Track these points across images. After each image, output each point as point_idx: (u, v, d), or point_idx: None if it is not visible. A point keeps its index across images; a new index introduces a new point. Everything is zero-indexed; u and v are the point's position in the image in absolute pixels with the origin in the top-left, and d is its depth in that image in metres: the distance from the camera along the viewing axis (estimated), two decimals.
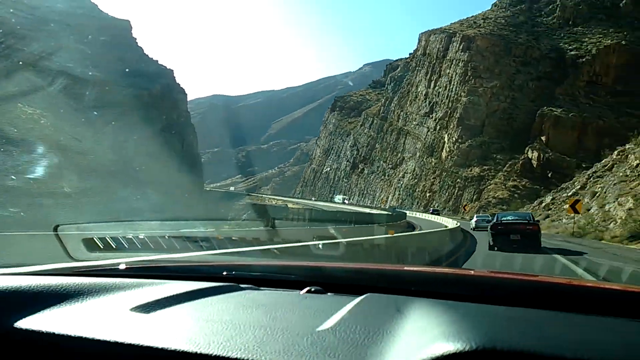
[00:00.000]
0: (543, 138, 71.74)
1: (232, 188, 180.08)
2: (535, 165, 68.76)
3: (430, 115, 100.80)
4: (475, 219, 42.21)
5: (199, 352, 1.12)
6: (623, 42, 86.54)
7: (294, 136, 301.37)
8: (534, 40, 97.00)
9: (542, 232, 19.70)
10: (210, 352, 1.11)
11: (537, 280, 1.87)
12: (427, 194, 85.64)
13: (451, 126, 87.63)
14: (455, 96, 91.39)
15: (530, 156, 70.47)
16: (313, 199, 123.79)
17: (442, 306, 1.42)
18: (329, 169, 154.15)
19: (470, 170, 76.09)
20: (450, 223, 32.51)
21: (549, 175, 66.75)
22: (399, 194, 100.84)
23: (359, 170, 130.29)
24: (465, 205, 58.33)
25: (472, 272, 2.15)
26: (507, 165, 72.61)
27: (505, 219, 18.92)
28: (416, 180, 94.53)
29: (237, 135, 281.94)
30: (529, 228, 18.11)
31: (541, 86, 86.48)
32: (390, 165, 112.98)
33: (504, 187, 68.08)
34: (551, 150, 69.13)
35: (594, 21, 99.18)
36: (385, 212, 54.53)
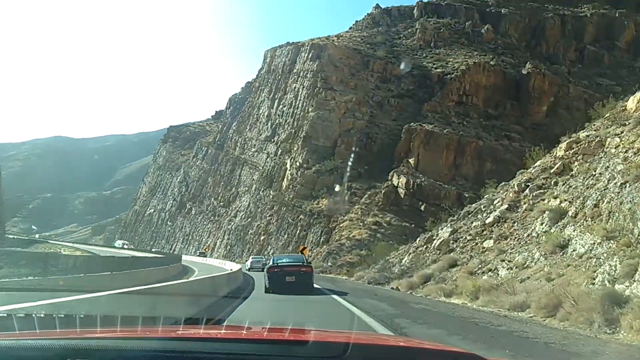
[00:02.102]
0: (412, 160, 53.49)
1: (37, 235, 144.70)
2: (402, 195, 49.77)
3: (272, 139, 79.97)
4: (250, 260, 44.95)
5: None
6: (492, 63, 73.80)
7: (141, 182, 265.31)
8: (393, 58, 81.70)
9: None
10: None
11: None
12: (262, 237, 63.16)
13: (295, 148, 67.05)
14: (302, 113, 71.56)
15: (395, 183, 51.52)
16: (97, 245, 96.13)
17: None
18: (152, 210, 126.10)
19: (318, 203, 55.30)
20: (234, 267, 30.80)
21: (421, 207, 47.98)
22: (229, 238, 77.28)
23: (186, 210, 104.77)
24: (303, 249, 37.41)
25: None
26: (366, 197, 53.03)
27: (281, 261, 20.22)
28: (249, 219, 71.90)
29: (77, 180, 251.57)
30: (303, 270, 19.41)
31: (404, 104, 69.89)
32: (221, 203, 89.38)
33: (361, 224, 47.85)
34: (423, 175, 50.79)
35: (456, 45, 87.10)
36: (158, 256, 49.20)
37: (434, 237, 25.50)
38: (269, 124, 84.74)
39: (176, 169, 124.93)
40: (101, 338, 2.07)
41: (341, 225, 49.14)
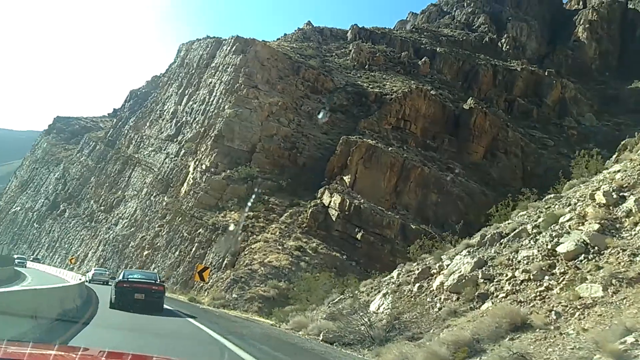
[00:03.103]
0: (347, 178, 43.64)
1: None
2: (334, 218, 39.55)
3: (175, 139, 67.35)
4: (92, 271, 42.91)
5: None
6: (432, 92, 67.08)
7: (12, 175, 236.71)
8: (326, 72, 72.95)
9: None
10: None
11: None
12: (145, 252, 50.01)
13: (203, 149, 55.11)
14: (216, 110, 60.01)
15: (326, 202, 41.28)
16: None
17: None
18: (19, 208, 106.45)
19: (224, 216, 43.62)
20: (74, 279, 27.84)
21: (357, 235, 38.00)
22: (104, 250, 62.76)
23: (59, 212, 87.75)
24: (204, 269, 26.24)
25: None
26: (287, 215, 42.27)
27: (131, 277, 19.12)
28: (133, 229, 58.30)
29: None
30: (155, 288, 18.45)
31: (337, 119, 60.68)
32: (102, 207, 74.36)
33: (280, 247, 36.88)
34: (361, 197, 41.01)
35: (392, 72, 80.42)
36: None
37: (434, 272, 15.33)
38: (174, 121, 72.10)
39: (56, 163, 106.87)
40: None
41: (253, 246, 37.85)
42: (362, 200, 39.76)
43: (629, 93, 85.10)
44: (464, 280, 13.32)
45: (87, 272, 43.59)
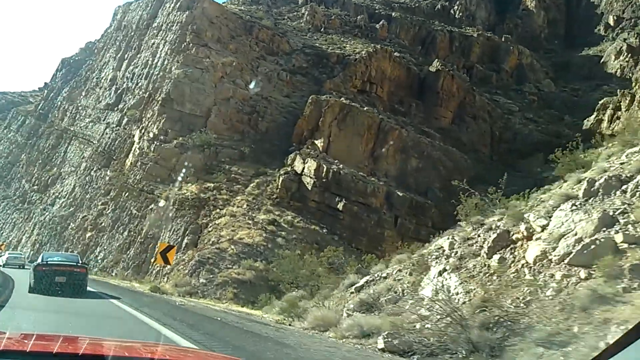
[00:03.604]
0: (319, 142, 38.68)
1: None
2: (310, 187, 34.61)
3: (116, 107, 60.21)
4: (6, 255, 40.95)
5: None
6: (396, 54, 62.64)
7: None
8: (281, 34, 67.15)
9: None
10: None
11: None
12: (88, 234, 43.66)
13: (149, 115, 48.69)
14: (161, 73, 53.35)
15: (299, 169, 36.21)
16: None
17: None
18: None
19: (180, 189, 37.86)
20: None
21: (339, 205, 33.32)
22: (39, 233, 55.56)
23: None
24: (168, 248, 21.08)
25: None
26: (253, 185, 37.03)
27: (51, 259, 18.40)
28: (72, 209, 51.45)
29: None
30: (77, 270, 17.82)
31: (298, 81, 55.46)
32: (35, 187, 66.45)
33: (250, 222, 31.73)
34: (339, 162, 36.21)
35: (348, 35, 75.48)
36: None
37: (519, 237, 10.86)
38: (113, 88, 64.69)
39: None
40: None
41: (217, 221, 32.50)
42: (340, 166, 34.98)
43: (580, 60, 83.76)
44: (593, 247, 8.78)
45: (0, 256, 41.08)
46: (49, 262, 17.88)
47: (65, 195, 55.97)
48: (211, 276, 25.46)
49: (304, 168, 35.95)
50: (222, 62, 51.45)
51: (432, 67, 62.36)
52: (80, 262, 19.56)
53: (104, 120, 60.67)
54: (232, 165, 40.04)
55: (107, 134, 55.46)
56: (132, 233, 37.90)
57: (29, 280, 17.81)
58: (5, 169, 79.80)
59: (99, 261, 39.49)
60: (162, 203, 35.28)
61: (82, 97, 72.44)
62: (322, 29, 76.52)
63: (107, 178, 47.59)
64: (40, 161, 70.07)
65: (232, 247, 28.19)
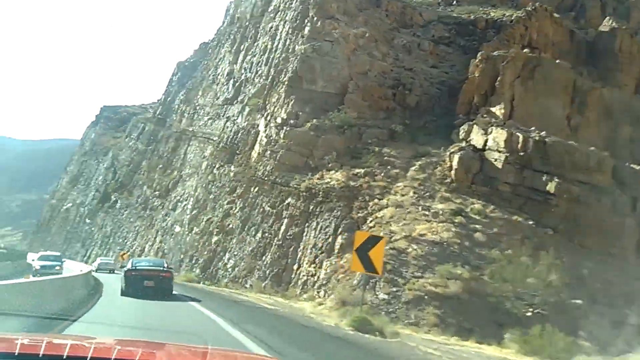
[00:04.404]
0: (498, 109, 29.28)
1: None
2: (501, 165, 25.32)
3: (235, 101, 54.76)
4: (98, 261, 46.12)
5: None
6: (556, 15, 51.12)
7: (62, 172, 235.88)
8: (412, 6, 58.34)
9: None
10: None
11: None
12: (214, 238, 37.49)
13: (274, 99, 42.01)
14: (284, 54, 46.68)
15: (477, 142, 27.08)
16: None
17: None
18: (70, 204, 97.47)
19: (321, 177, 30.28)
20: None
21: (547, 184, 23.75)
22: (162, 240, 51.08)
23: (110, 204, 77.43)
24: (368, 243, 13.27)
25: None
26: (416, 169, 28.52)
27: (140, 265, 19.61)
28: (195, 211, 46.06)
29: (15, 182, 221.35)
30: (163, 275, 18.91)
31: (443, 51, 46.41)
32: (156, 192, 62.93)
33: (427, 214, 23.15)
34: (535, 129, 26.58)
35: (486, 5, 64.89)
36: None
37: None
38: (231, 83, 59.55)
39: (104, 153, 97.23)
40: None
41: (379, 214, 24.35)
42: (542, 133, 25.38)
43: None
44: None
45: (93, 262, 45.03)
46: (137, 268, 18.89)
47: (187, 198, 51.06)
48: (394, 289, 17.25)
49: (486, 141, 26.82)
50: (353, 33, 43.71)
51: (604, 26, 50.02)
52: (165, 267, 20.16)
53: (223, 116, 55.42)
54: (382, 147, 31.84)
55: (227, 127, 49.82)
56: (266, 234, 30.87)
57: (120, 285, 18.73)
58: (128, 177, 78.14)
59: (229, 270, 32.95)
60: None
61: (199, 96, 68.51)
62: (453, 2, 66.62)
63: (232, 174, 41.44)
64: (160, 166, 66.84)
65: (414, 246, 19.81)
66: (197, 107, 66.43)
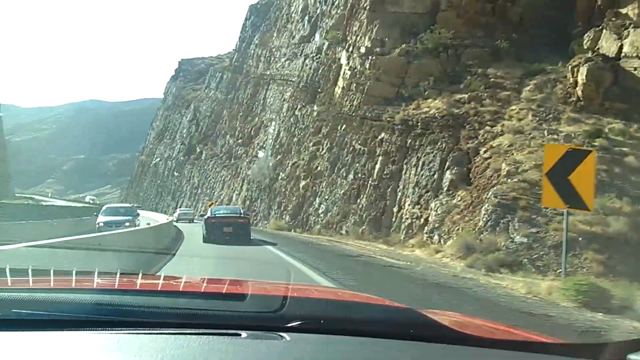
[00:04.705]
0: (630, 8, 24.09)
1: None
2: None
3: (312, 38, 51.35)
4: (178, 212, 48.06)
5: None
6: None
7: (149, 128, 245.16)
8: None
9: None
10: None
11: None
12: (302, 183, 35.20)
13: (355, 29, 38.08)
14: None
15: (608, 50, 22.36)
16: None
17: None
18: (158, 159, 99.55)
19: (418, 106, 26.69)
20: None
21: None
22: (250, 188, 49.79)
23: (196, 155, 77.67)
24: (556, 190, 10.17)
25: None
26: (530, 89, 24.28)
27: (218, 213, 20.91)
28: (279, 156, 43.99)
29: (111, 142, 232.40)
30: (240, 221, 20.16)
31: None
32: (239, 140, 61.69)
33: (557, 138, 19.20)
34: None
35: None
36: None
37: None
38: (306, 19, 56.08)
39: (186, 106, 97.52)
40: (33, 289, 1.88)
41: (493, 143, 20.66)
42: None
43: None
44: None
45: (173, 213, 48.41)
46: (217, 215, 20.07)
47: (270, 144, 49.08)
48: (533, 230, 13.80)
49: (621, 48, 21.98)
50: None
51: None
52: (242, 213, 21.54)
53: (301, 55, 52.31)
54: (485, 68, 27.55)
55: (306, 66, 46.65)
56: (359, 175, 28.00)
57: (202, 232, 20.05)
58: (211, 127, 77.70)
59: (321, 216, 30.61)
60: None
61: (274, 38, 65.62)
62: None
63: (315, 114, 38.62)
64: (241, 113, 65.35)
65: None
66: (273, 50, 63.66)
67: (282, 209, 36.90)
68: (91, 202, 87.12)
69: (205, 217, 20.88)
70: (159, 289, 2.09)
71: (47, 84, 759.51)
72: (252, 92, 64.56)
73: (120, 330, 1.43)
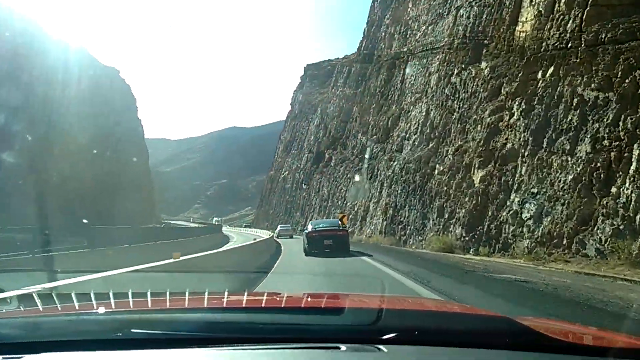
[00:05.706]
0: None
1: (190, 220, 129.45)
2: None
3: None
4: (278, 228, 51.52)
5: None
6: None
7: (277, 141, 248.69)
8: None
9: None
10: None
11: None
12: (480, 173, 22.32)
13: None
14: None
15: None
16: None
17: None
18: (286, 172, 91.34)
19: None
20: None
21: None
22: (392, 192, 37.60)
23: (324, 162, 67.46)
24: None
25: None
26: None
27: (318, 227, 21.73)
28: (431, 145, 31.35)
29: (250, 166, 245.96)
30: (340, 234, 20.89)
31: None
32: (374, 137, 49.98)
33: None
34: None
35: None
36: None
37: None
38: None
39: (313, 111, 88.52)
40: (152, 310, 2.04)
41: None
42: None
43: None
44: None
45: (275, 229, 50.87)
46: (317, 229, 21.11)
47: (415, 131, 36.67)
48: None
49: None
50: None
51: None
52: (340, 227, 22.33)
53: (448, 13, 39.47)
54: None
55: (462, 16, 33.69)
56: (604, 143, 14.73)
57: (303, 245, 21.13)
58: (339, 128, 67.19)
59: (527, 225, 17.55)
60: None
61: (409, 9, 53.40)
62: None
63: (486, 71, 25.62)
64: (373, 105, 53.82)
65: None
66: (410, 22, 51.38)
67: (446, 217, 24.23)
68: (216, 222, 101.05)
69: (307, 231, 21.43)
70: (262, 305, 2.24)
71: (192, 116, 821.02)
72: (385, 77, 52.75)
73: (229, 347, 1.48)
